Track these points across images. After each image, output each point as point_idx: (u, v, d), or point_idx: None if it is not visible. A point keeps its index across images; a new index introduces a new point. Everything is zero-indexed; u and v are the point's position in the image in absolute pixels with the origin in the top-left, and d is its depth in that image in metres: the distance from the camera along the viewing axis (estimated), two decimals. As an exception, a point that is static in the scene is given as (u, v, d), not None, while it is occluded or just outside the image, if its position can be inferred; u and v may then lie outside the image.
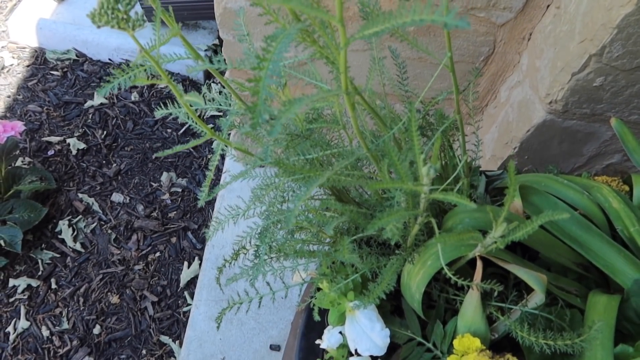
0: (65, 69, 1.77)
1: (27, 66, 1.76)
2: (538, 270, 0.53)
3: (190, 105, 0.45)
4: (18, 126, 1.36)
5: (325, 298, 0.52)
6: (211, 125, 1.72)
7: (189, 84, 1.78)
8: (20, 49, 1.80)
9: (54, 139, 1.61)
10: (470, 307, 0.49)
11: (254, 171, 0.59)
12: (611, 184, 0.67)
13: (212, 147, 1.68)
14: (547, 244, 0.57)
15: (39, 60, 1.78)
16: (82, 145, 1.61)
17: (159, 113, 0.56)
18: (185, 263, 1.44)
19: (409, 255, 0.49)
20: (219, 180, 1.57)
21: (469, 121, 1.11)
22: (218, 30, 1.91)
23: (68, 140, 1.61)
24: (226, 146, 0.51)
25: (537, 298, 0.48)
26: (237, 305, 0.56)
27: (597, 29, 0.74)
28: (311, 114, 0.48)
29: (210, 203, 1.56)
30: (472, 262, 0.54)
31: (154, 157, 1.62)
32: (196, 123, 0.51)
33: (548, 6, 0.90)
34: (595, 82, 0.80)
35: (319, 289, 0.54)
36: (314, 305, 0.54)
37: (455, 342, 0.49)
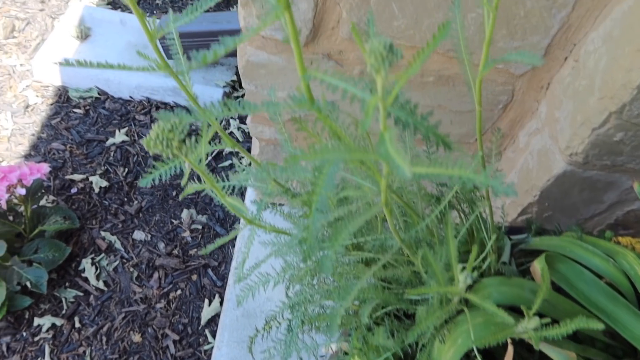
0: (88, 107, 1.81)
1: (51, 104, 1.81)
2: (565, 340, 0.53)
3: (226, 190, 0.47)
4: (44, 168, 1.40)
5: (356, 372, 0.53)
6: (229, 162, 1.74)
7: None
8: (44, 88, 1.85)
9: (77, 177, 1.65)
10: (502, 387, 0.50)
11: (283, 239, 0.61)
12: (635, 246, 0.68)
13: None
14: (574, 315, 0.58)
15: (62, 99, 1.83)
16: (104, 183, 1.64)
17: (188, 191, 0.58)
18: (206, 301, 1.46)
19: (437, 333, 0.50)
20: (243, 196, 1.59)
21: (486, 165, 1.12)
22: (236, 67, 1.94)
23: (91, 178, 1.64)
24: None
25: (567, 377, 0.49)
26: (271, 381, 0.57)
27: (617, 88, 0.75)
28: (344, 199, 0.49)
29: (231, 240, 1.58)
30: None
31: (174, 194, 1.65)
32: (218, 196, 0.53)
33: (566, 58, 0.91)
34: (616, 137, 0.81)
35: (349, 361, 0.55)
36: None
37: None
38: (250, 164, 1.58)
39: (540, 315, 0.59)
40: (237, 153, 1.75)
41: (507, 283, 0.55)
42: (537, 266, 0.60)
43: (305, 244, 0.28)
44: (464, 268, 0.36)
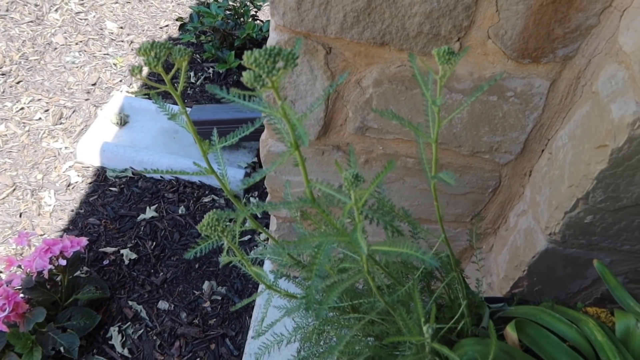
0: (122, 186, 2.00)
1: (90, 183, 2.00)
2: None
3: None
4: (83, 242, 1.55)
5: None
6: (248, 237, 1.88)
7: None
8: (84, 168, 2.05)
9: (109, 249, 1.80)
10: None
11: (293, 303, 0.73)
12: (600, 315, 0.78)
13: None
14: (542, 373, 0.68)
15: (100, 178, 2.02)
16: (133, 256, 1.78)
17: (222, 260, 0.71)
18: (223, 369, 1.54)
19: (422, 384, 0.61)
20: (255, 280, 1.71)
21: (482, 243, 1.24)
22: (257, 149, 2.14)
23: (122, 251, 1.79)
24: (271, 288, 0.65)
25: None
26: None
27: (580, 178, 0.88)
28: (340, 266, 0.62)
29: (247, 310, 1.68)
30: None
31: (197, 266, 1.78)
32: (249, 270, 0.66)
33: (542, 150, 1.05)
34: (586, 220, 0.93)
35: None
36: None
37: None
38: (267, 239, 1.71)
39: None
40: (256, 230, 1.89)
41: (481, 343, 0.66)
42: (509, 329, 0.71)
43: (308, 300, 0.40)
44: (427, 322, 0.47)
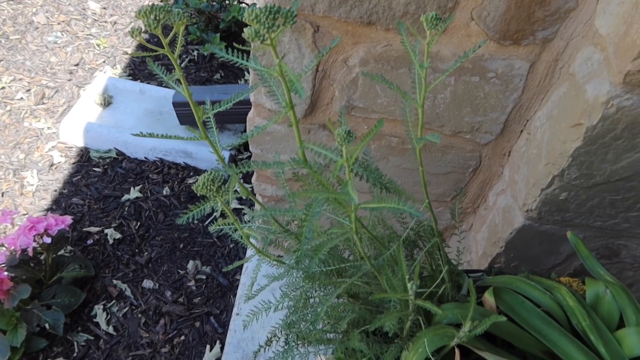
0: (106, 166, 1.99)
1: (73, 164, 1.99)
2: (508, 357, 0.67)
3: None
4: (67, 220, 1.55)
5: (339, 378, 0.66)
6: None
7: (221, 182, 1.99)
8: (67, 149, 2.03)
9: (93, 229, 1.80)
10: (454, 386, 0.63)
11: (280, 269, 0.75)
12: (572, 284, 0.82)
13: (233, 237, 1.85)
14: (517, 336, 0.72)
15: (84, 159, 2.01)
16: (118, 235, 1.79)
17: (212, 229, 0.73)
18: (208, 346, 1.56)
19: (405, 344, 0.64)
20: (239, 252, 1.73)
21: (462, 221, 1.28)
22: (242, 132, 2.14)
23: (106, 231, 1.79)
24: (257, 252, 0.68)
25: (505, 379, 0.62)
26: (271, 383, 0.70)
27: (556, 156, 0.92)
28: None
29: (232, 289, 1.70)
30: (461, 349, 0.68)
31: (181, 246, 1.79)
32: (239, 234, 0.68)
33: (521, 131, 1.09)
34: (561, 196, 0.97)
35: (334, 371, 0.68)
36: (330, 384, 0.68)
37: (443, 415, 0.62)
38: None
39: (489, 335, 0.73)
40: (242, 211, 1.91)
41: (461, 307, 0.70)
42: (487, 296, 0.74)
43: (299, 255, 0.42)
44: (411, 279, 0.50)
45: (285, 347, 0.66)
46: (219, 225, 0.59)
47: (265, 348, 0.72)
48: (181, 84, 0.52)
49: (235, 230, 0.68)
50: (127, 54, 2.45)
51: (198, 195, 0.50)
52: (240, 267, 1.75)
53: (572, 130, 0.89)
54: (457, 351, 0.62)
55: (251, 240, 0.66)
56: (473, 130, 1.10)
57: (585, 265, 0.80)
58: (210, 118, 0.59)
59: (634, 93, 0.78)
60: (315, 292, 0.69)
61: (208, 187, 0.49)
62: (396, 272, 0.55)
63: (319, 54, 0.57)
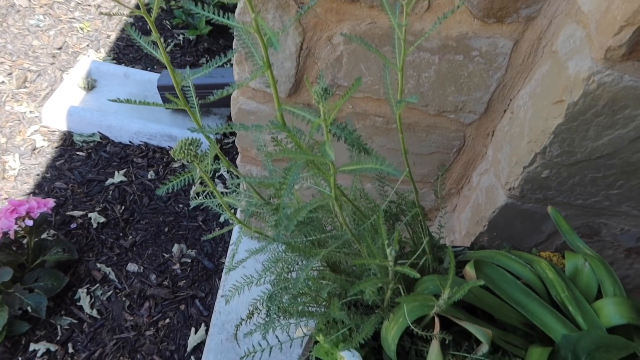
0: (90, 150, 1.97)
1: (56, 148, 1.96)
2: (488, 327, 0.67)
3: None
4: (50, 203, 1.53)
5: (321, 349, 0.66)
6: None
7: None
8: (50, 133, 2.01)
9: (77, 213, 1.78)
10: (433, 356, 0.63)
11: (263, 245, 0.75)
12: (552, 258, 0.83)
13: (219, 220, 1.84)
14: (497, 307, 0.72)
15: (67, 143, 1.98)
16: (102, 219, 1.77)
17: (194, 203, 0.73)
18: (193, 329, 1.56)
19: (386, 314, 0.64)
20: (227, 241, 1.73)
21: (446, 203, 1.29)
22: (228, 116, 2.13)
23: (90, 215, 1.77)
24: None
25: (483, 348, 0.63)
26: (253, 354, 0.70)
27: (539, 134, 0.93)
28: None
29: (217, 272, 1.70)
30: (442, 321, 0.69)
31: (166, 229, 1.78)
32: (222, 208, 0.68)
33: (505, 110, 1.10)
34: (543, 174, 0.98)
35: (316, 342, 0.68)
36: (313, 355, 0.68)
37: (422, 383, 0.63)
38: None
39: (469, 306, 0.74)
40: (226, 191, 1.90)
41: (442, 279, 0.70)
42: (468, 268, 0.75)
43: (279, 217, 0.42)
44: (390, 245, 0.50)
45: (267, 320, 0.66)
46: (198, 190, 0.59)
47: (247, 321, 0.72)
48: (159, 49, 0.51)
49: (219, 204, 0.67)
50: (110, 37, 2.42)
51: (175, 159, 0.50)
52: (226, 250, 1.75)
53: (554, 107, 0.89)
54: (436, 320, 0.62)
55: (234, 213, 0.66)
56: (457, 110, 1.10)
57: (565, 239, 0.81)
58: (190, 87, 0.58)
59: (615, 69, 0.79)
60: (297, 265, 0.69)
61: (186, 152, 0.48)
62: (376, 240, 0.55)
63: (299, 13, 0.57)
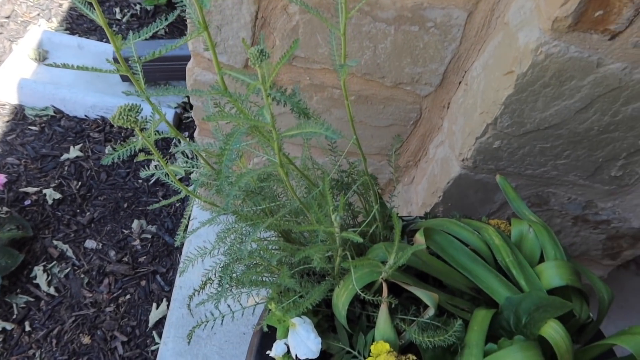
0: (43, 125, 1.90)
1: (7, 122, 1.89)
2: (435, 291, 0.70)
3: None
4: (1, 179, 1.48)
5: (273, 317, 0.67)
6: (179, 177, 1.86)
7: (160, 139, 1.93)
8: (0, 106, 1.92)
9: (31, 189, 1.73)
10: (382, 320, 0.65)
11: (219, 218, 0.75)
12: (500, 225, 0.86)
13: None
14: (445, 272, 0.75)
15: (18, 117, 1.91)
16: (57, 195, 1.72)
17: (144, 174, 0.71)
18: (154, 304, 1.55)
19: (336, 282, 0.65)
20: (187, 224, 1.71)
21: (402, 175, 1.30)
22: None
23: (44, 191, 1.72)
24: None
25: (430, 311, 0.65)
26: (205, 323, 0.70)
27: (490, 105, 0.95)
28: (262, 175, 0.64)
29: (178, 248, 1.69)
30: (392, 287, 0.71)
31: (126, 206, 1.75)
32: (170, 179, 0.67)
33: (460, 82, 1.11)
34: (494, 145, 1.00)
35: (269, 311, 0.69)
36: (265, 323, 0.69)
37: (371, 347, 0.64)
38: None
39: (421, 274, 0.76)
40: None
41: (389, 245, 0.71)
42: (418, 236, 0.76)
43: (220, 183, 0.42)
44: (336, 210, 0.51)
45: (219, 290, 0.67)
46: (142, 158, 0.58)
47: (199, 291, 0.72)
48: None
49: (167, 174, 0.66)
50: (62, 6, 2.31)
51: (115, 126, 0.48)
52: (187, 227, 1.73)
53: (504, 78, 0.91)
54: (384, 285, 0.63)
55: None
56: (413, 82, 1.11)
57: (511, 206, 0.84)
58: (134, 54, 0.56)
59: (561, 40, 0.80)
60: (249, 235, 0.69)
61: (125, 117, 0.47)
62: (323, 207, 0.55)
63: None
